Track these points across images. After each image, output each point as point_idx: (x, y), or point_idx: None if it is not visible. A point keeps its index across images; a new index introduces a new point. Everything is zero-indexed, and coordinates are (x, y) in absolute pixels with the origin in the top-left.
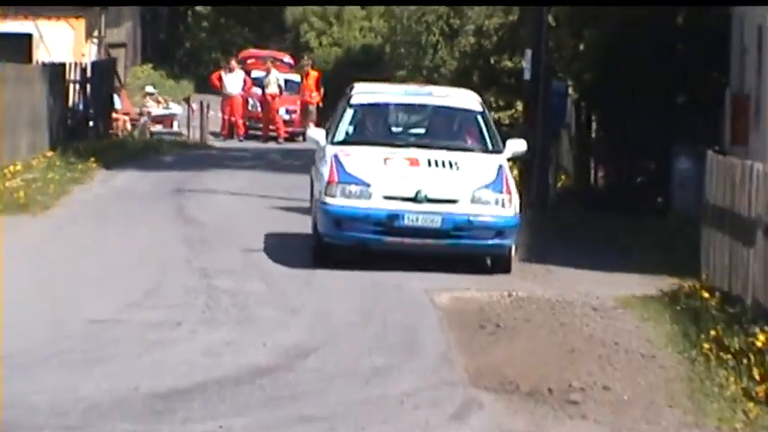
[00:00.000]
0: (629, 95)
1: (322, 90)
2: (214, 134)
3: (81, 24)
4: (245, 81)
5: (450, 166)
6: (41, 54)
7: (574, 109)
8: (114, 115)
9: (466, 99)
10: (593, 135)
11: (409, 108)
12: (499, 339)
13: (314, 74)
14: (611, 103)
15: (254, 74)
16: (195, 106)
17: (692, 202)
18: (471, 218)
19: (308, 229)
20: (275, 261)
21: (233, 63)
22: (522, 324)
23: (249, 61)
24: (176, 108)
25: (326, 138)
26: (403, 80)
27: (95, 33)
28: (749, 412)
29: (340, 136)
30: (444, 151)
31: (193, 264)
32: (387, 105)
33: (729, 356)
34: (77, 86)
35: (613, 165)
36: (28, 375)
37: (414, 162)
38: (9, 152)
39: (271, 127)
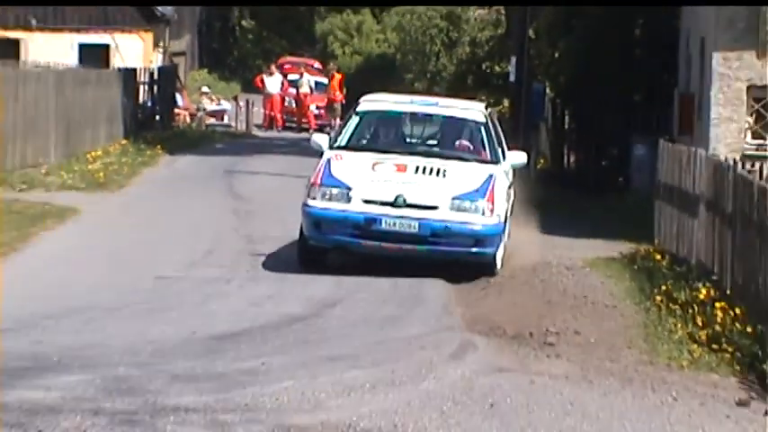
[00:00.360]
0: (596, 94)
1: (345, 90)
2: (257, 126)
3: (149, 37)
4: (282, 83)
5: (438, 173)
6: (117, 61)
7: (550, 105)
8: (176, 110)
9: (470, 110)
10: (567, 126)
11: (413, 117)
12: (489, 293)
13: (338, 76)
14: (581, 100)
15: (290, 77)
16: (242, 103)
17: (647, 182)
18: (449, 224)
19: None
20: None
21: (273, 68)
22: (509, 281)
23: (286, 66)
24: (226, 105)
25: (329, 143)
26: (411, 83)
27: (161, 44)
28: (693, 352)
29: (341, 142)
30: (438, 159)
31: (240, 231)
32: (391, 114)
33: (677, 307)
34: (146, 87)
35: (583, 151)
36: (104, 323)
37: (401, 168)
38: (91, 141)
39: (303, 120)
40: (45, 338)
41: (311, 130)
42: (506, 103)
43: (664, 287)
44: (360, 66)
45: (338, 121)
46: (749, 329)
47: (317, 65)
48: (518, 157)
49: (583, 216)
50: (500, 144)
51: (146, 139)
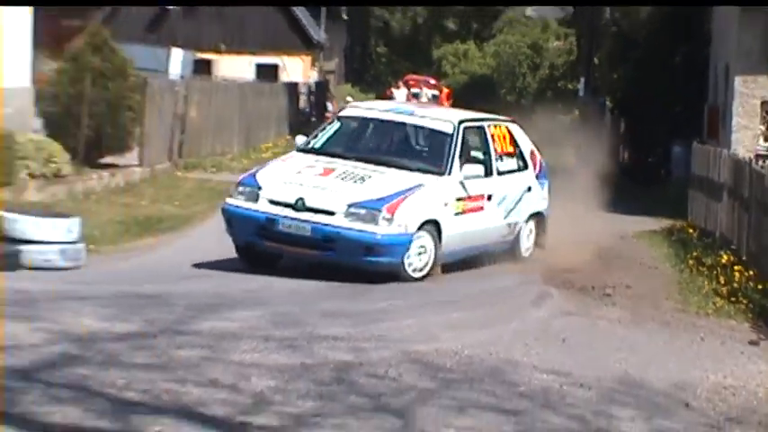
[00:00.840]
0: (645, 107)
1: (451, 100)
2: None
3: (308, 58)
4: (407, 94)
5: (359, 179)
6: (283, 77)
7: (609, 114)
8: (327, 114)
9: (441, 121)
10: (622, 131)
11: (386, 124)
12: (560, 256)
13: (446, 90)
14: (634, 111)
15: (413, 90)
16: None
17: (683, 174)
18: (341, 230)
19: None
20: None
21: (399, 83)
22: (577, 246)
23: (410, 82)
24: None
25: (302, 144)
26: (504, 96)
27: (316, 64)
28: (717, 303)
29: (314, 144)
30: (381, 166)
31: None
32: (366, 120)
33: (704, 269)
34: (305, 97)
35: (634, 150)
36: (271, 272)
37: (327, 172)
38: (264, 136)
39: None
40: (228, 283)
41: None
42: (576, 112)
43: (694, 253)
44: (465, 82)
45: None
46: (759, 287)
47: (432, 81)
48: (473, 170)
49: (633, 199)
50: (474, 154)
51: (305, 135)
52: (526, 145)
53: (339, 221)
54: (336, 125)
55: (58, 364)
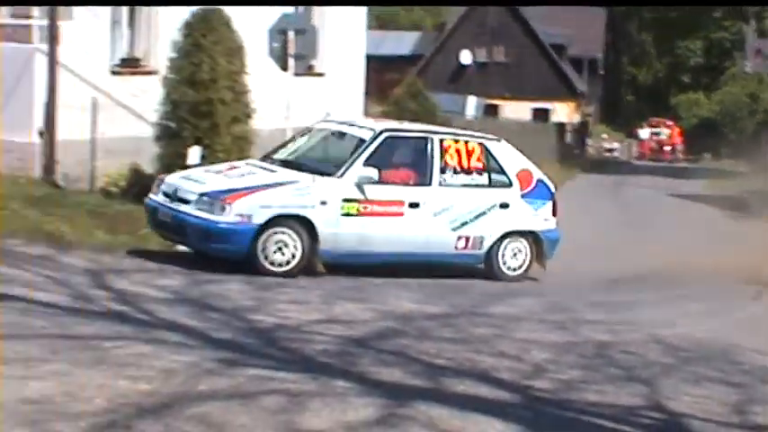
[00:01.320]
0: None
1: (681, 138)
2: (635, 158)
3: (573, 104)
4: (649, 133)
5: (241, 175)
6: (553, 118)
7: None
8: (587, 147)
9: (365, 129)
10: None
11: (332, 134)
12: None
13: (677, 129)
14: None
15: (654, 129)
16: (625, 144)
17: None
18: (188, 218)
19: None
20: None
21: (644, 124)
22: None
23: (653, 123)
24: (617, 145)
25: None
26: (726, 135)
27: (579, 109)
28: None
29: (278, 153)
30: (287, 169)
31: (620, 218)
32: (323, 131)
33: None
34: (570, 134)
35: None
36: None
37: (228, 170)
38: (536, 162)
39: (660, 155)
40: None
41: (665, 161)
42: None
43: None
44: (695, 124)
45: (678, 155)
46: None
47: (669, 122)
48: (367, 173)
49: None
50: (376, 160)
51: (569, 163)
52: (512, 164)
53: (189, 209)
54: (306, 137)
55: (384, 335)
